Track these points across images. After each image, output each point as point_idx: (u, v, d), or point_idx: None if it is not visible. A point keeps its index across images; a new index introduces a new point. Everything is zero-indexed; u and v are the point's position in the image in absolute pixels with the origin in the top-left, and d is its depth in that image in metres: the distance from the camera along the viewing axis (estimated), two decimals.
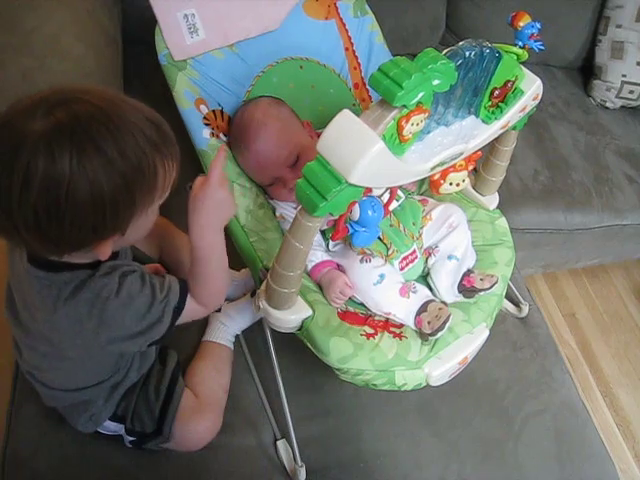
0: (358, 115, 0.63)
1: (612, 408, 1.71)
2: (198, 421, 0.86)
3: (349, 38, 1.07)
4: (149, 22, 0.91)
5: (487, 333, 0.88)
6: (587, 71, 1.82)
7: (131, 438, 0.84)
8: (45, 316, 0.68)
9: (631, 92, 1.72)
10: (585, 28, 1.76)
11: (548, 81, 1.78)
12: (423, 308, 0.82)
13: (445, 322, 0.78)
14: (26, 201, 0.55)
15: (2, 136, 0.56)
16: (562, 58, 1.82)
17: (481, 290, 0.85)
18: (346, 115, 0.63)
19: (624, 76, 1.69)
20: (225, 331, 0.97)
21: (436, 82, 0.62)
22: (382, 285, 0.82)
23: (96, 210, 0.57)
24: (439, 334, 0.79)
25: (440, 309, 0.80)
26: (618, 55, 1.70)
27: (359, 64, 1.07)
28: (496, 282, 0.85)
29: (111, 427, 0.84)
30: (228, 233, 0.89)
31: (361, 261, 0.84)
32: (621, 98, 1.74)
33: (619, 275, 2.05)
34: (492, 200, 1.01)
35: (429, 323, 0.80)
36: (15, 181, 0.54)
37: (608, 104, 1.76)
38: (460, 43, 0.66)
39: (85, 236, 0.60)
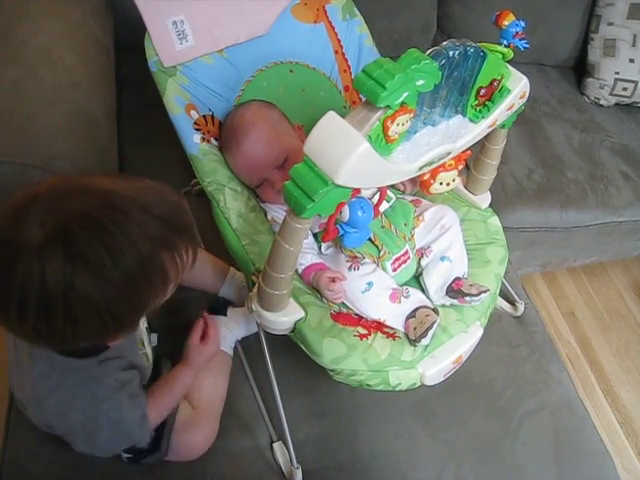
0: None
1: (614, 406, 1.71)
2: (194, 433, 0.85)
3: (338, 41, 1.07)
4: (142, 31, 0.92)
5: (481, 332, 0.88)
6: (580, 69, 1.83)
7: (127, 455, 0.84)
8: (37, 391, 0.69)
9: (624, 89, 1.72)
10: (577, 27, 1.77)
11: (541, 80, 1.79)
12: (413, 313, 0.82)
13: (429, 329, 0.78)
14: (24, 320, 0.54)
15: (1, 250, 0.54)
16: (555, 57, 1.83)
17: (467, 295, 0.84)
18: (332, 117, 0.63)
19: (617, 73, 1.70)
20: (228, 336, 0.96)
21: (420, 82, 0.62)
22: (370, 293, 0.82)
23: (95, 324, 0.56)
24: (423, 341, 0.78)
25: (427, 315, 0.80)
26: (610, 53, 1.70)
27: (349, 67, 1.08)
28: (485, 292, 0.84)
29: None
30: (221, 237, 0.90)
31: (349, 269, 0.84)
32: (615, 95, 1.74)
33: (618, 273, 2.05)
34: (484, 199, 1.01)
35: (415, 329, 0.79)
36: (12, 302, 0.53)
37: (602, 102, 1.76)
38: (444, 43, 0.67)
39: (89, 340, 0.60)
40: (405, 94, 0.61)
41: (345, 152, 0.61)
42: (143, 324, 0.87)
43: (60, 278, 0.52)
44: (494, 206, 1.02)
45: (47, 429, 0.76)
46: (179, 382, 0.83)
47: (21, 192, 0.56)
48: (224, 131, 0.94)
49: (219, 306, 1.00)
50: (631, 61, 1.69)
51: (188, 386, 0.84)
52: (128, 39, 1.16)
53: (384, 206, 0.88)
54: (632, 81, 1.71)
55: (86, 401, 0.68)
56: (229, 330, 0.97)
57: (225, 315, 0.98)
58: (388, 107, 0.61)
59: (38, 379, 0.68)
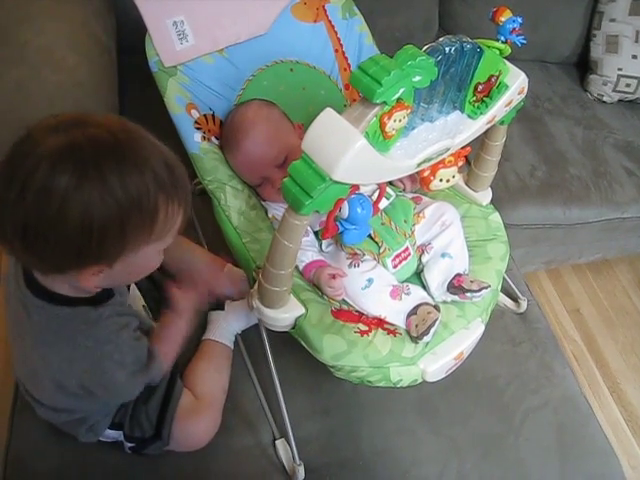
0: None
1: (620, 404, 1.70)
2: (196, 422, 0.86)
3: (338, 40, 1.08)
4: (144, 32, 0.93)
5: (483, 328, 0.88)
6: (583, 66, 1.83)
7: (130, 444, 0.84)
8: (38, 346, 0.69)
9: (628, 85, 1.72)
10: (579, 23, 1.77)
11: (544, 77, 1.79)
12: (414, 310, 0.82)
13: (431, 326, 0.78)
14: (19, 209, 0.56)
15: (21, 146, 0.58)
16: (558, 54, 1.83)
17: (468, 291, 0.84)
18: (329, 113, 0.64)
19: (620, 70, 1.70)
20: (227, 330, 0.97)
21: (416, 78, 0.62)
22: (370, 289, 0.82)
23: (83, 233, 0.57)
24: (425, 338, 0.79)
25: (429, 313, 0.80)
26: (613, 49, 1.70)
27: (349, 65, 1.08)
28: (486, 288, 0.84)
29: (111, 435, 0.84)
30: (222, 235, 0.91)
31: (349, 265, 0.84)
32: (618, 92, 1.73)
33: (623, 269, 2.04)
34: (485, 196, 1.01)
35: (416, 326, 0.79)
36: (13, 188, 0.56)
37: (605, 98, 1.76)
38: (440, 39, 0.67)
39: (68, 258, 0.60)
40: (401, 90, 0.61)
41: (342, 148, 0.61)
42: (140, 301, 0.88)
43: (68, 177, 0.55)
44: (497, 203, 1.02)
45: (57, 401, 0.76)
46: (174, 327, 0.83)
47: (55, 116, 0.60)
48: (225, 130, 0.95)
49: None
50: (634, 57, 1.69)
51: (184, 331, 0.84)
52: (130, 40, 1.16)
53: (384, 203, 0.88)
54: (635, 77, 1.70)
55: (88, 347, 0.68)
56: (227, 323, 0.97)
57: (223, 309, 0.99)
58: (384, 103, 0.61)
59: (38, 333, 0.68)
